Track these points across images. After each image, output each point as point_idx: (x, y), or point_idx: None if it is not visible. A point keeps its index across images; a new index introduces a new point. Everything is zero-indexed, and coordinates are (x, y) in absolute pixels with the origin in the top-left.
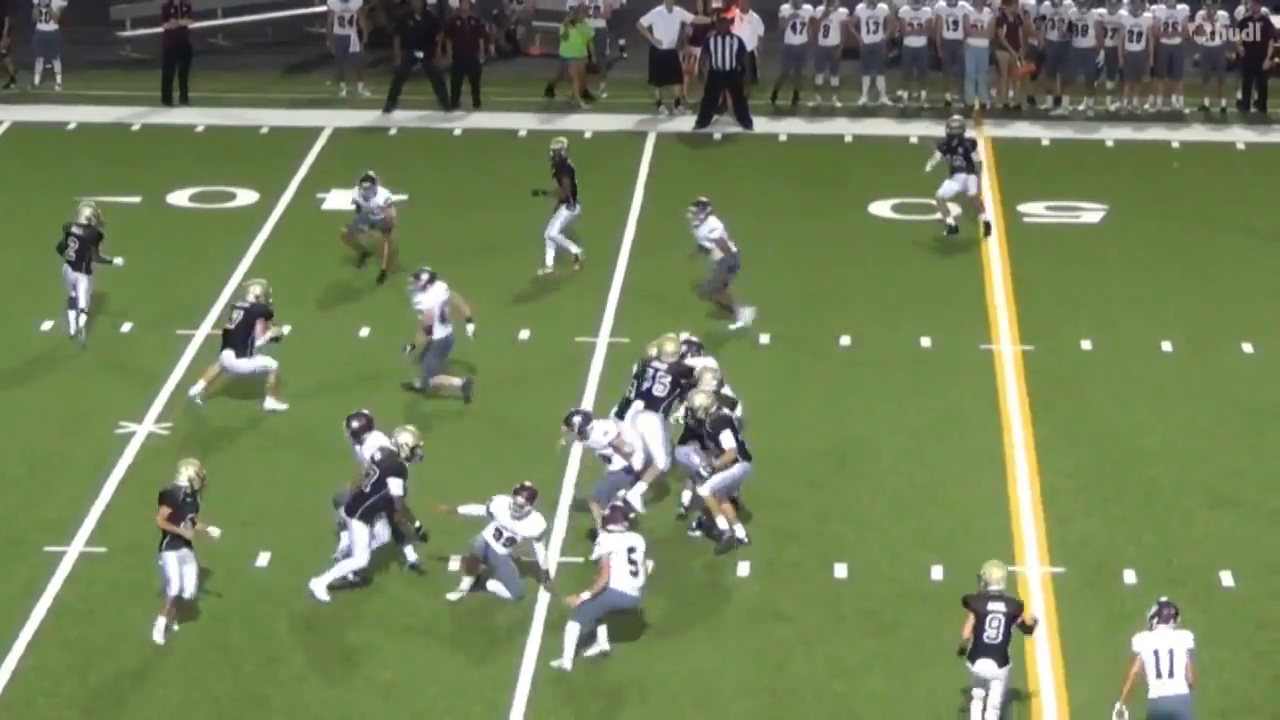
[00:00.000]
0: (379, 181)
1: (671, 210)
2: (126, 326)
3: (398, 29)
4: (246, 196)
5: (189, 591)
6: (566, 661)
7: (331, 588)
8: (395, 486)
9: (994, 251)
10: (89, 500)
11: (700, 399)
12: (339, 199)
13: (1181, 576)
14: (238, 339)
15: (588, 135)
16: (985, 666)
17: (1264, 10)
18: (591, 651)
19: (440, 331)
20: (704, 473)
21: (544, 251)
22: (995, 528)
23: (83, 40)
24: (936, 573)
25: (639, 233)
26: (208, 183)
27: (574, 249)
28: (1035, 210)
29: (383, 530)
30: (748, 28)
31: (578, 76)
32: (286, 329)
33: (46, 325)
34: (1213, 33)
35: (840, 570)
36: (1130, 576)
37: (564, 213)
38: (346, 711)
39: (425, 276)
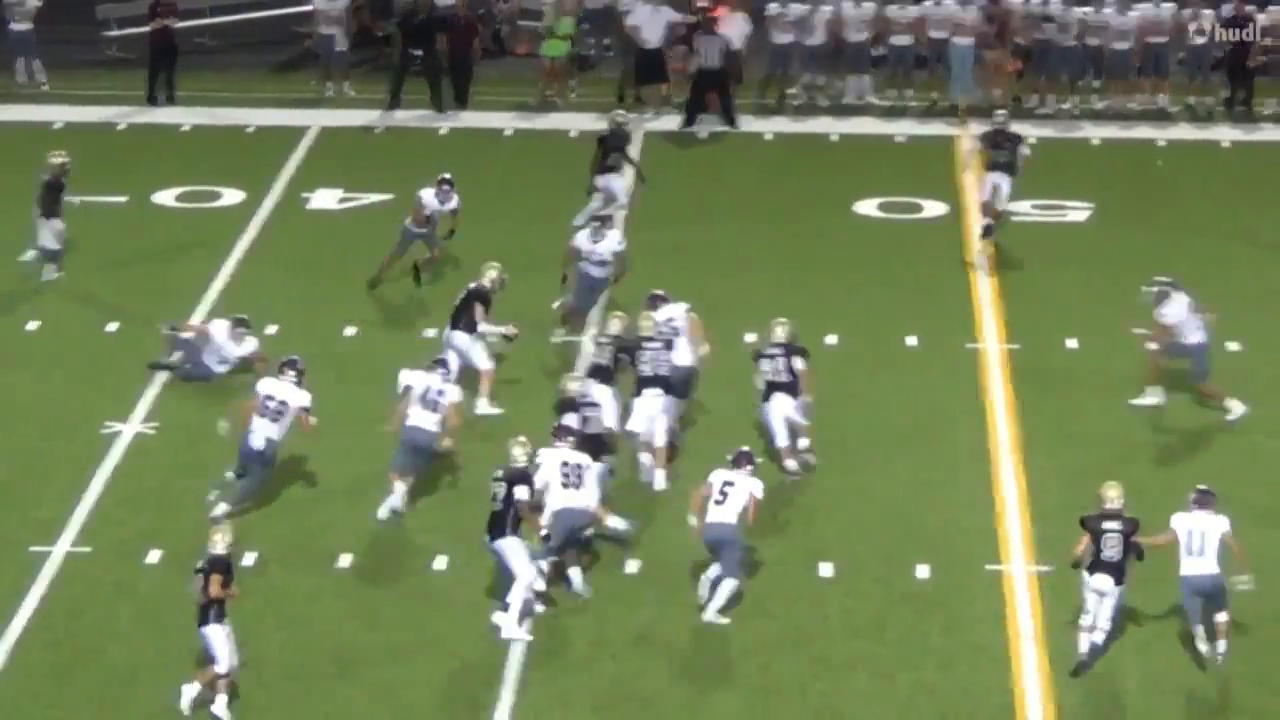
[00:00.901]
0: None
1: (657, 209)
2: (112, 326)
3: (400, 26)
4: (233, 196)
5: (225, 666)
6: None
7: (522, 617)
8: (522, 492)
9: (978, 249)
10: (75, 500)
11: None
12: (325, 198)
13: (1166, 575)
14: (459, 318)
15: (573, 134)
16: (1102, 581)
17: (1250, 9)
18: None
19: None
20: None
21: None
22: (981, 526)
23: (68, 40)
24: (923, 572)
25: (626, 235)
26: (194, 182)
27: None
28: (1021, 209)
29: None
30: (734, 27)
31: (557, 75)
32: (512, 330)
33: (32, 325)
34: (1199, 31)
35: (826, 569)
36: None
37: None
38: (333, 713)
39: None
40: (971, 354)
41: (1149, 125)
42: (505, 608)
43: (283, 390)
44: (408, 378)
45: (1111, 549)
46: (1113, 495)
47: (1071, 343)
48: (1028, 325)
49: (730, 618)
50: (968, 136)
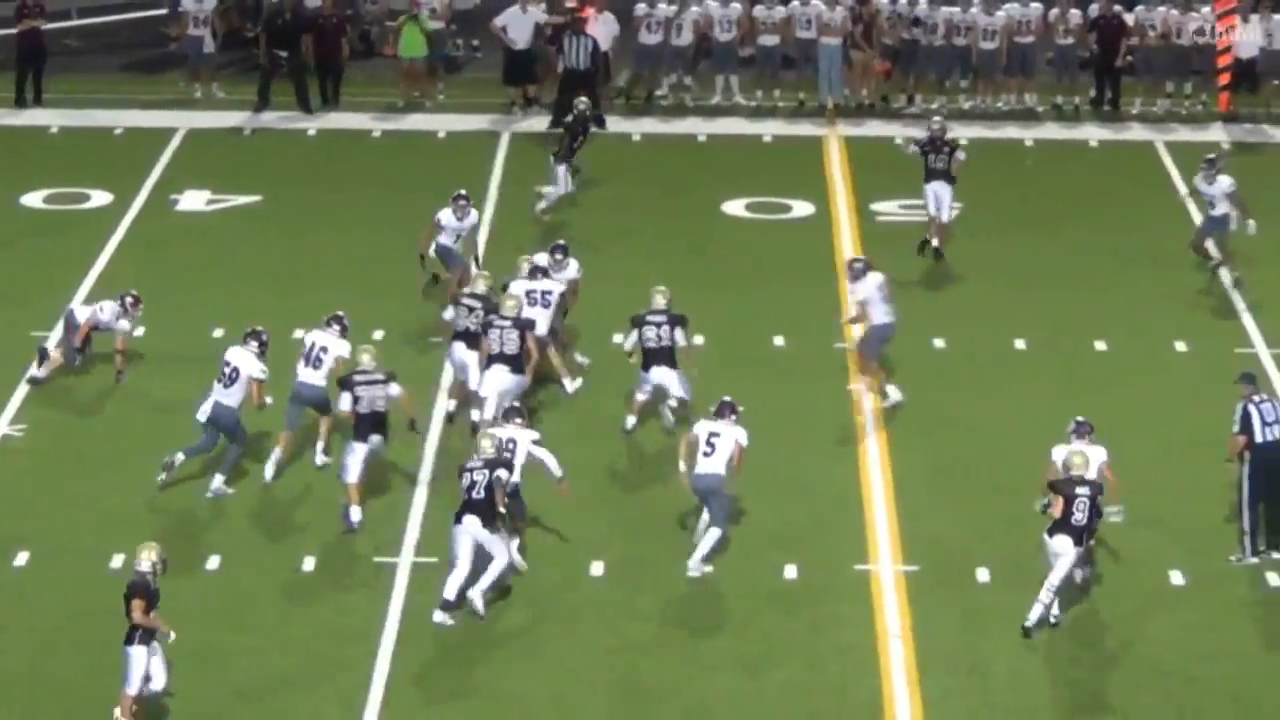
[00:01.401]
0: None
1: (525, 210)
2: None
3: (265, 27)
4: (101, 198)
5: (161, 684)
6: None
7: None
8: (503, 474)
9: (847, 249)
10: None
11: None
12: (193, 199)
13: (1035, 573)
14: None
15: (441, 135)
16: (1062, 543)
17: (1117, 9)
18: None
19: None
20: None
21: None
22: (848, 526)
23: None
24: (790, 571)
25: (493, 232)
26: (62, 184)
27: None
28: (889, 209)
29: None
30: (602, 27)
31: (417, 76)
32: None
33: None
34: (1066, 31)
35: (695, 570)
36: (983, 574)
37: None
38: (200, 712)
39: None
40: (839, 354)
41: (1017, 125)
42: (480, 592)
43: (238, 358)
44: (305, 336)
45: (1081, 512)
46: (1079, 462)
47: (939, 341)
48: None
49: (598, 618)
50: (836, 136)
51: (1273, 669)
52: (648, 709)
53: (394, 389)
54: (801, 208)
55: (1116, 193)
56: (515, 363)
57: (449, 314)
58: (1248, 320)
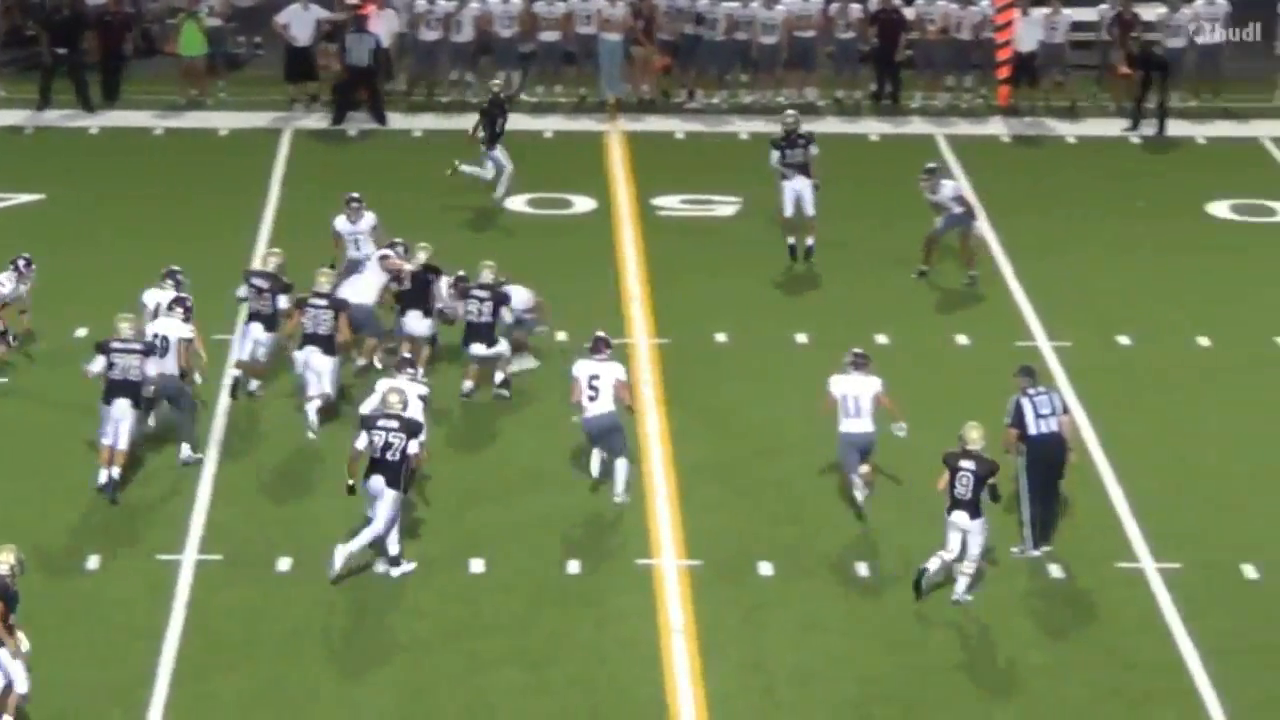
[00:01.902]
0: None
1: (308, 207)
2: None
3: (44, 24)
4: None
5: (24, 686)
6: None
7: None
8: (415, 447)
9: (628, 244)
10: None
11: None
12: None
13: (816, 568)
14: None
15: (223, 133)
16: (959, 517)
17: (896, 3)
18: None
19: None
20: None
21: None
22: (631, 520)
23: None
24: (573, 567)
25: (275, 229)
26: None
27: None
28: (670, 204)
29: None
30: (383, 24)
31: (197, 74)
32: None
33: None
34: (846, 25)
35: (477, 565)
36: (766, 568)
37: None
38: None
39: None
40: (620, 348)
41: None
42: (389, 558)
43: (165, 326)
44: (148, 297)
45: (963, 486)
46: (974, 436)
47: (721, 336)
48: (677, 319)
49: (381, 615)
50: (617, 131)
51: (1055, 660)
52: (431, 706)
53: (150, 364)
54: (583, 203)
55: (897, 186)
56: (327, 343)
57: (241, 291)
58: (1028, 314)
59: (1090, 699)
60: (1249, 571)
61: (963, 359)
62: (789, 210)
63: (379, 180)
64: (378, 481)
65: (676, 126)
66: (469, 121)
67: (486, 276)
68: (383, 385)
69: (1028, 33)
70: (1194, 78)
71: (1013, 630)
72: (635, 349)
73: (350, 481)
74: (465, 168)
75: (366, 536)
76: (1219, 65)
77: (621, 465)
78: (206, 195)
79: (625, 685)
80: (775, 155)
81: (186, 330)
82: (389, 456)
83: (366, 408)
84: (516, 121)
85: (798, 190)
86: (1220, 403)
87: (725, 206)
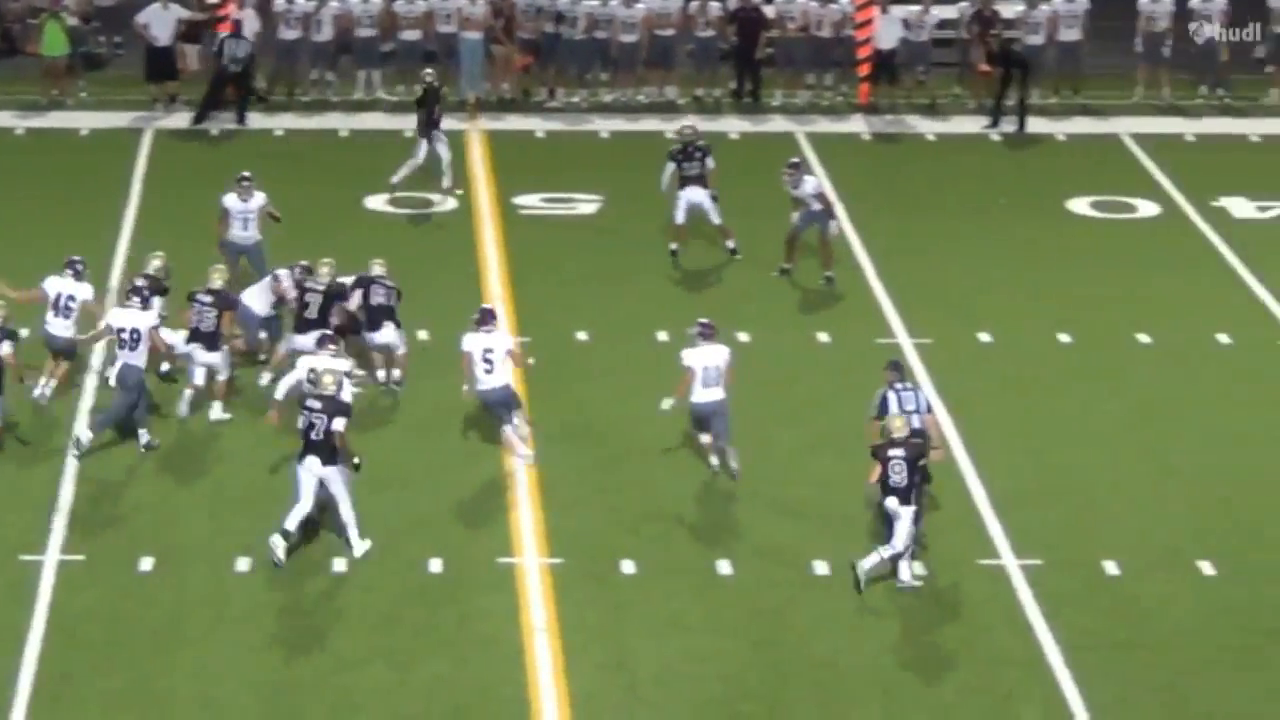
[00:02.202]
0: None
1: (170, 207)
2: None
3: None
4: None
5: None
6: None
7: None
8: (340, 424)
9: (490, 243)
10: None
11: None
12: None
13: (679, 566)
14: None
15: (84, 133)
16: (892, 502)
17: (755, 1)
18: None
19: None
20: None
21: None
22: (494, 518)
23: None
24: (435, 565)
25: (137, 229)
26: None
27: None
28: (531, 202)
29: None
30: (244, 24)
31: (58, 74)
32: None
33: None
34: (706, 23)
35: (340, 565)
36: (629, 566)
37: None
38: None
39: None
40: None
41: (658, 117)
42: (349, 542)
43: (129, 319)
44: (50, 284)
45: (897, 474)
46: (898, 425)
47: (582, 335)
48: (539, 317)
49: (245, 615)
50: (478, 130)
51: (919, 657)
52: (295, 704)
53: (5, 347)
54: (446, 201)
55: (758, 185)
56: (210, 339)
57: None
58: (889, 311)
59: (954, 695)
60: (1110, 568)
61: (824, 356)
62: (680, 218)
63: None
64: (313, 463)
65: (537, 125)
66: (330, 121)
67: (324, 274)
68: (305, 363)
69: (887, 30)
70: (1054, 75)
71: (876, 627)
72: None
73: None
74: (397, 176)
75: (348, 516)
76: (1079, 62)
77: (526, 429)
78: (68, 195)
79: (488, 684)
80: (670, 167)
81: (152, 317)
82: (313, 436)
83: (283, 388)
84: (378, 121)
85: (693, 201)
86: (1081, 400)
87: (586, 205)
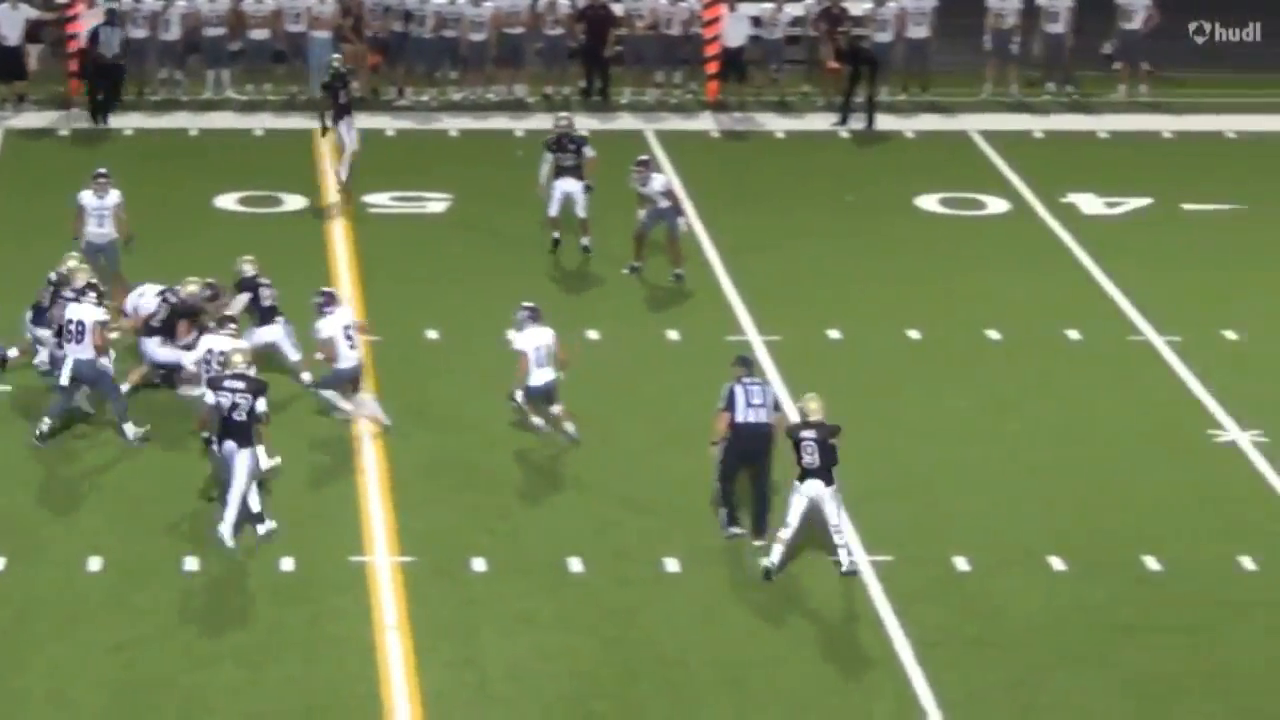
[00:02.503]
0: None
1: (19, 207)
2: None
3: None
4: None
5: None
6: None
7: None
8: (262, 404)
9: (339, 242)
10: None
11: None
12: None
13: (530, 564)
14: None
15: None
16: (812, 486)
17: None
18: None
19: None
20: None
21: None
22: (344, 516)
23: None
24: (286, 564)
25: None
26: None
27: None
28: (381, 201)
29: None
30: (93, 21)
31: None
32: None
33: None
34: (554, 22)
35: (191, 564)
36: (480, 564)
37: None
38: None
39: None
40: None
41: (507, 116)
42: (252, 515)
43: (79, 312)
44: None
45: (809, 455)
46: (813, 408)
47: (432, 333)
48: (389, 315)
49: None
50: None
51: (770, 653)
52: (146, 703)
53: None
54: (294, 201)
55: (607, 182)
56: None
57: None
58: (739, 308)
59: (805, 691)
60: (960, 564)
61: (673, 353)
62: (554, 210)
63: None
64: (230, 445)
65: (386, 124)
66: (179, 120)
67: (247, 270)
68: (207, 342)
69: (735, 28)
70: (902, 72)
71: (727, 623)
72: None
73: (205, 434)
74: (343, 171)
75: (235, 500)
76: (927, 59)
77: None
78: None
79: (340, 682)
80: (549, 159)
81: (100, 313)
82: (235, 417)
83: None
84: (227, 120)
85: (567, 191)
86: (931, 396)
87: (436, 203)
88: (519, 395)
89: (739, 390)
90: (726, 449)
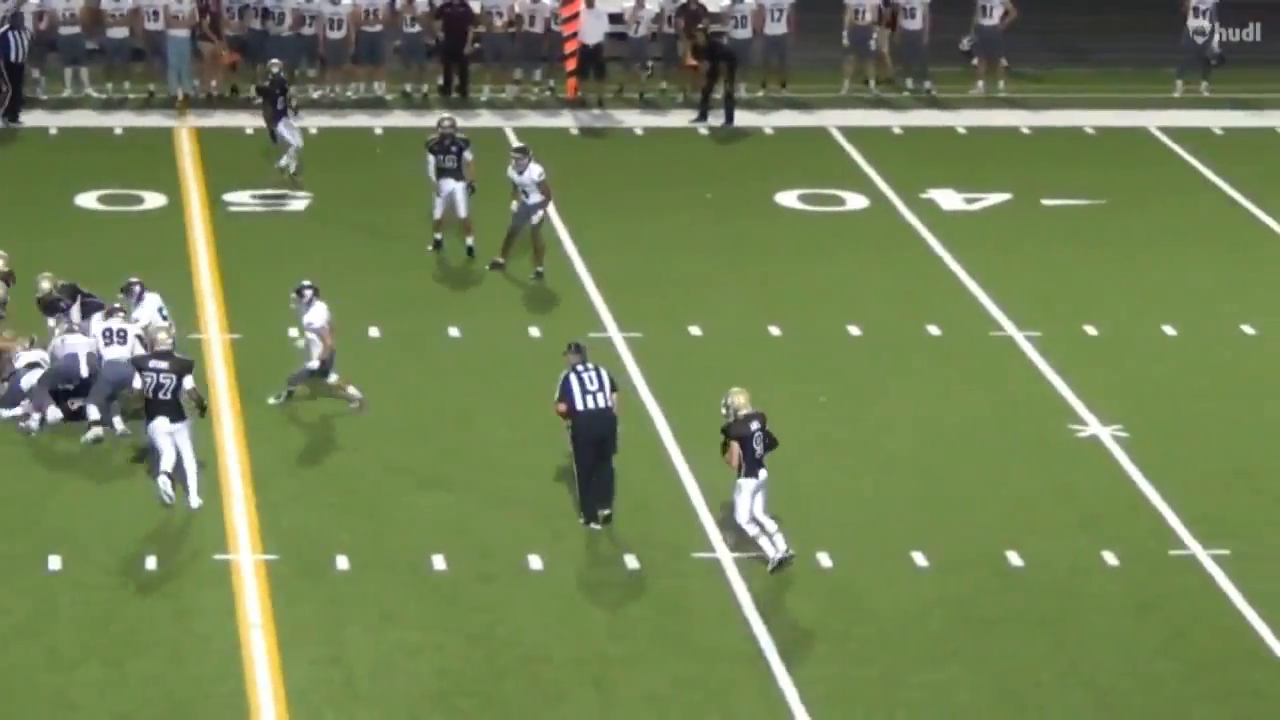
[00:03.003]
0: None
1: None
2: None
3: None
4: None
5: None
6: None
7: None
8: (189, 382)
9: (200, 240)
10: None
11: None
12: None
13: (393, 561)
14: None
15: None
16: (762, 474)
17: None
18: None
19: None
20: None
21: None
22: (208, 516)
23: None
24: (150, 562)
25: None
26: None
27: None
28: (241, 199)
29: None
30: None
31: None
32: None
33: None
34: (413, 19)
35: (55, 562)
36: (343, 562)
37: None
38: None
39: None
40: (193, 344)
41: (366, 113)
42: (188, 490)
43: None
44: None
45: (760, 446)
46: (743, 401)
47: (293, 331)
48: (249, 315)
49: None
50: (187, 127)
51: (634, 650)
52: (10, 703)
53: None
54: (154, 199)
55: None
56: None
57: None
58: (599, 305)
59: (670, 688)
60: (823, 560)
61: (535, 350)
62: (439, 213)
63: None
64: (161, 424)
65: (246, 122)
66: (37, 119)
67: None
68: (98, 325)
69: (593, 25)
70: (761, 68)
71: (591, 621)
72: (208, 345)
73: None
74: (282, 161)
75: (191, 470)
76: (785, 55)
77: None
78: None
79: (205, 680)
80: (431, 160)
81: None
82: (161, 396)
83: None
84: (86, 118)
85: (452, 190)
86: (792, 392)
87: (296, 202)
88: (333, 378)
89: (573, 378)
90: (574, 438)
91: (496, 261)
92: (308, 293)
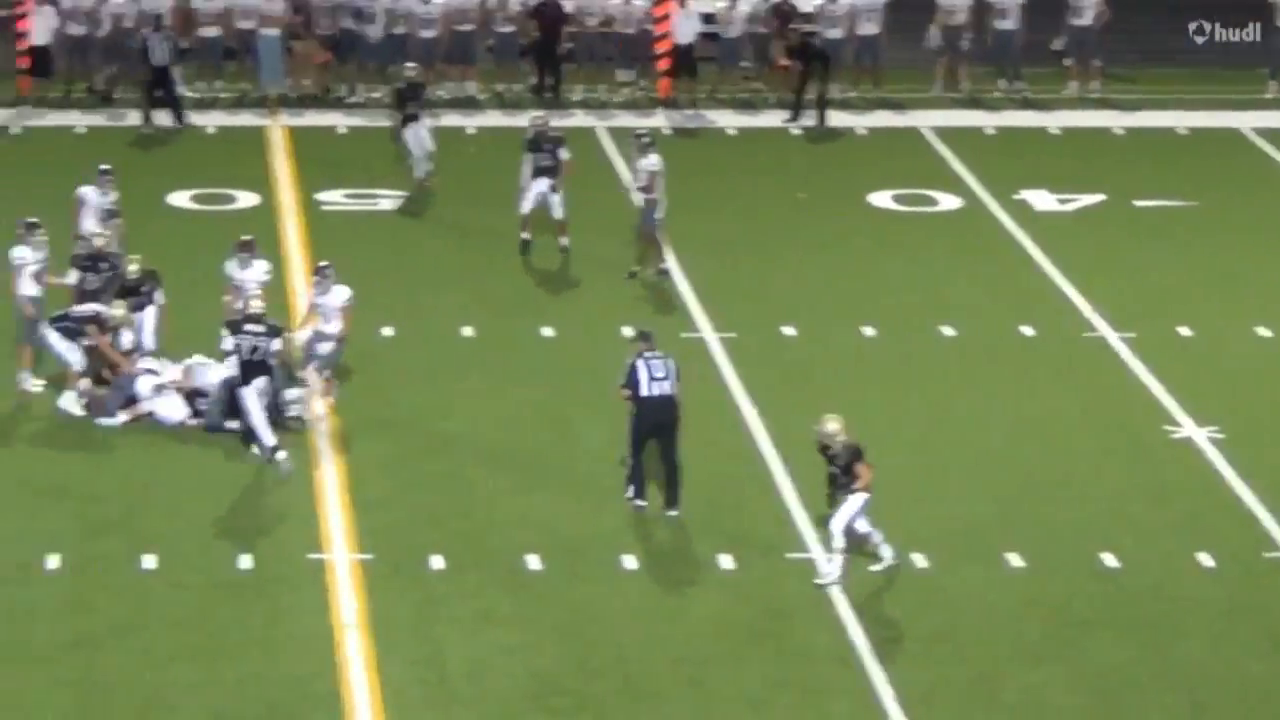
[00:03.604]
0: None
1: None
2: None
3: None
4: None
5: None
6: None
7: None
8: (278, 343)
9: (293, 239)
10: None
11: None
12: None
13: (488, 561)
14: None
15: None
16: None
17: None
18: None
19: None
20: None
21: None
22: (302, 514)
23: None
24: (245, 562)
25: None
26: None
27: None
28: (334, 198)
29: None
30: (42, 20)
31: None
32: None
33: None
34: (506, 18)
35: (149, 561)
36: (438, 561)
37: None
38: None
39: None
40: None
41: (459, 113)
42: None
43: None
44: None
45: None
46: (835, 428)
47: (387, 330)
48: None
49: (54, 614)
50: (279, 126)
51: (728, 651)
52: (107, 703)
53: None
54: (246, 198)
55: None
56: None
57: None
58: (693, 305)
59: (763, 689)
60: (919, 560)
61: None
62: (526, 208)
63: (39, 178)
64: (258, 383)
65: (338, 121)
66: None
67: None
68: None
69: (685, 25)
70: (853, 69)
71: (686, 622)
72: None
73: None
74: (419, 173)
75: (260, 422)
76: (878, 56)
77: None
78: None
79: (300, 679)
80: (528, 159)
81: None
82: (256, 358)
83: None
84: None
85: (542, 191)
86: (885, 392)
87: (388, 201)
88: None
89: (641, 365)
90: (634, 423)
91: (632, 271)
92: (330, 273)
